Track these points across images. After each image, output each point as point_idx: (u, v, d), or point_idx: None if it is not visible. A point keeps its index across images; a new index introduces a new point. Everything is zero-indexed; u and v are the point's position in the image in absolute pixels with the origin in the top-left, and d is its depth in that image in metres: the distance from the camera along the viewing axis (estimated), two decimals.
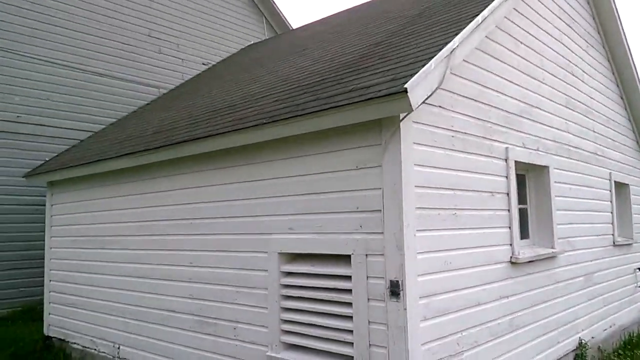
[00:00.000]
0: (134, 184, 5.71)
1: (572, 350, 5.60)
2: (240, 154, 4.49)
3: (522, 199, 5.38)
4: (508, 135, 4.72)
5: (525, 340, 4.66)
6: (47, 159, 8.04)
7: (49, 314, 7.10)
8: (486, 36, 4.38)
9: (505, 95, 4.74)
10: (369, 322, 3.48)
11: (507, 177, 4.63)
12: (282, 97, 4.55)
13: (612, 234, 7.09)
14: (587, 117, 6.60)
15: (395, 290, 3.33)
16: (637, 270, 7.89)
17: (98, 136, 8.12)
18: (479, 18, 4.02)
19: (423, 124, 3.63)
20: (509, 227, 4.59)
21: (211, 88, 7.62)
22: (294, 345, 4.00)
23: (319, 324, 3.81)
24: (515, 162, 4.77)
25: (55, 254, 7.11)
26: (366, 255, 3.53)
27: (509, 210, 4.60)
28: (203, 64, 12.28)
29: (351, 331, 3.58)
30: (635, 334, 7.41)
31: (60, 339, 6.82)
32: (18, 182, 8.83)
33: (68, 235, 6.86)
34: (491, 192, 4.39)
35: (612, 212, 7.13)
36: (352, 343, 3.55)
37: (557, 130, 5.73)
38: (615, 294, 7.06)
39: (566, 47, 6.22)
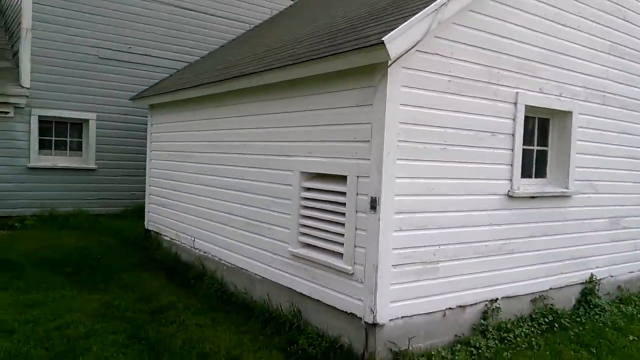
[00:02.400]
0: (206, 110, 6.95)
1: (581, 283, 6.07)
2: (274, 90, 5.45)
3: (543, 141, 5.80)
4: (520, 81, 5.12)
5: (517, 264, 5.28)
6: (150, 86, 9.61)
7: (148, 212, 8.87)
8: None
9: (522, 42, 5.09)
10: (356, 228, 4.40)
11: (514, 119, 5.10)
12: (311, 43, 5.36)
13: None
14: (639, 63, 6.55)
15: (373, 204, 4.19)
16: None
17: (191, 67, 9.47)
18: None
19: (414, 69, 4.27)
20: (511, 165, 5.11)
21: (277, 28, 8.52)
22: (307, 244, 5.04)
23: (324, 229, 4.79)
24: (527, 106, 5.19)
25: (153, 165, 8.75)
26: (357, 176, 4.39)
27: (512, 150, 5.11)
28: None
29: (344, 234, 4.52)
30: None
31: (155, 232, 8.58)
32: (128, 104, 10.61)
33: (163, 150, 8.41)
34: (492, 132, 4.92)
35: None
36: (343, 243, 4.51)
37: (591, 77, 5.88)
38: None
39: None
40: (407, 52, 4.02)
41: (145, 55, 11.32)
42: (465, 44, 4.61)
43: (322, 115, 4.82)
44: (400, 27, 3.86)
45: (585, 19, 5.75)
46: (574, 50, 5.65)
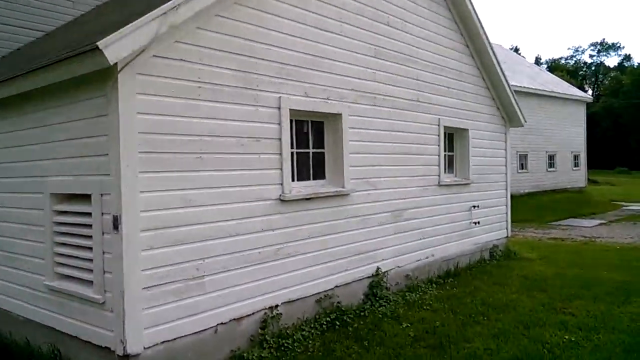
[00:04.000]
0: None
1: (368, 277, 6.34)
2: (18, 104, 4.83)
3: (320, 143, 5.94)
4: (283, 86, 5.15)
5: (297, 267, 5.30)
6: None
7: None
8: None
9: (282, 47, 5.13)
10: (103, 252, 3.99)
11: (279, 124, 5.11)
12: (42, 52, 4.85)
13: (438, 175, 7.78)
14: (407, 66, 7.08)
15: (115, 223, 3.83)
16: (473, 207, 8.70)
17: None
18: None
19: (154, 75, 4.01)
20: (280, 169, 5.11)
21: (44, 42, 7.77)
22: (63, 274, 4.50)
23: (76, 255, 4.31)
24: (292, 110, 5.25)
25: None
26: (101, 194, 4.00)
27: (280, 154, 5.11)
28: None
29: (92, 260, 4.09)
30: (463, 264, 8.29)
31: None
32: None
33: None
34: (257, 137, 4.87)
35: (438, 155, 7.79)
36: (93, 270, 4.08)
37: (359, 79, 6.19)
38: (441, 228, 7.84)
39: None
40: (136, 57, 3.76)
41: None
42: (215, 49, 4.49)
43: (64, 129, 4.33)
44: (119, 30, 3.56)
45: (349, 24, 6.03)
46: (339, 55, 5.88)
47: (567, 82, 33.74)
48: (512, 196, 22.18)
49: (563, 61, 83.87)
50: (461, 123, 8.42)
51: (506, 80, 9.43)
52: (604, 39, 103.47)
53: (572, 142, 26.93)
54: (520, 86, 23.09)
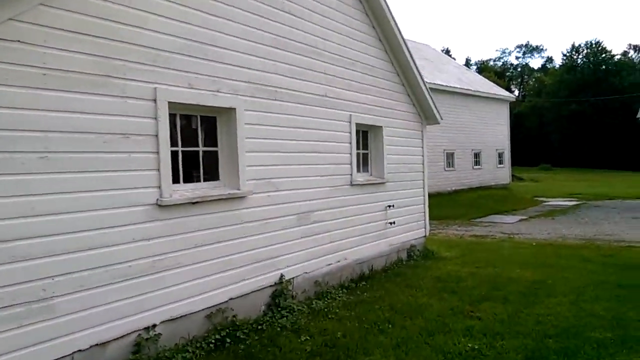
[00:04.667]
0: None
1: (270, 286, 5.84)
2: None
3: (213, 141, 5.38)
4: (159, 75, 4.55)
5: (180, 280, 4.71)
6: None
7: None
8: None
9: (157, 32, 4.53)
10: None
11: (156, 118, 4.50)
12: None
13: (350, 174, 7.41)
14: (314, 58, 6.64)
15: None
16: (389, 207, 8.41)
17: None
18: None
19: None
20: (158, 170, 4.51)
21: None
22: None
23: None
24: (172, 103, 4.66)
25: None
26: None
27: (157, 153, 4.51)
28: None
29: None
30: (379, 267, 7.98)
31: None
32: None
33: None
34: (124, 134, 4.24)
35: (350, 154, 7.41)
36: None
37: (257, 71, 5.68)
38: (354, 229, 7.48)
39: None
40: None
41: None
42: (67, 30, 3.83)
43: None
44: None
45: (242, 9, 5.48)
46: (231, 43, 5.33)
47: (495, 82, 34.82)
48: (439, 194, 22.72)
49: (492, 63, 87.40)
50: (375, 120, 8.10)
51: (421, 77, 9.23)
52: (528, 42, 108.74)
53: (497, 140, 27.73)
54: (448, 85, 23.45)
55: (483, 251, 10.14)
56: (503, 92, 29.62)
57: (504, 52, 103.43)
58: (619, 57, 65.73)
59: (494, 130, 27.39)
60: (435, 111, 9.72)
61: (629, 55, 68.51)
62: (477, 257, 9.41)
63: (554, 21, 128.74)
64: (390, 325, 5.36)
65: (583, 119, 58.52)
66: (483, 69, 76.65)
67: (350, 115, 7.41)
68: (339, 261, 7.09)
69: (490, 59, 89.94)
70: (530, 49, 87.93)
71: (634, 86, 52.77)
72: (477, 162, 26.01)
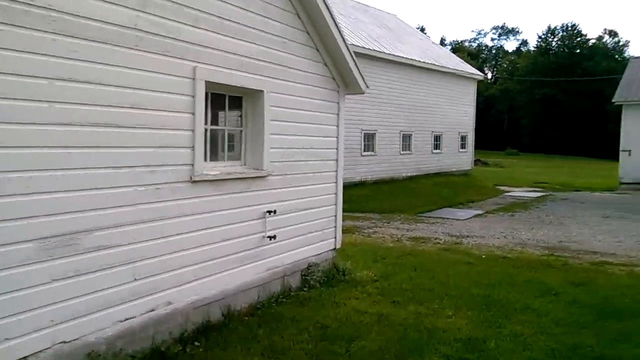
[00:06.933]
0: None
1: None
2: None
3: None
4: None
5: None
6: None
7: None
8: None
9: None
10: None
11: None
12: None
13: (191, 165, 4.60)
14: None
15: None
16: (269, 213, 5.67)
17: None
18: None
19: None
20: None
21: None
22: None
23: None
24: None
25: None
26: None
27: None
28: None
29: None
30: (244, 305, 5.28)
31: None
32: None
33: None
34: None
35: (192, 130, 4.57)
36: None
37: None
38: (195, 253, 4.72)
39: None
40: None
41: None
42: None
43: None
44: None
45: None
46: None
47: (468, 63, 31.94)
48: (393, 180, 19.96)
49: (467, 44, 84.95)
50: (249, 80, 5.27)
51: (338, 28, 6.41)
52: (504, 24, 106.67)
53: (461, 122, 25.28)
54: (408, 58, 20.71)
55: (414, 268, 7.52)
56: (471, 69, 27.06)
57: (479, 33, 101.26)
58: (593, 41, 64.16)
59: (458, 111, 24.91)
60: (358, 77, 6.95)
61: (604, 40, 66.91)
62: (402, 280, 6.81)
63: (532, 3, 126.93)
64: None
65: (554, 104, 57.01)
66: (457, 49, 73.95)
67: (195, 68, 4.51)
68: (152, 310, 4.30)
69: (465, 40, 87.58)
70: (505, 31, 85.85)
71: (607, 72, 51.12)
72: (437, 146, 23.53)
